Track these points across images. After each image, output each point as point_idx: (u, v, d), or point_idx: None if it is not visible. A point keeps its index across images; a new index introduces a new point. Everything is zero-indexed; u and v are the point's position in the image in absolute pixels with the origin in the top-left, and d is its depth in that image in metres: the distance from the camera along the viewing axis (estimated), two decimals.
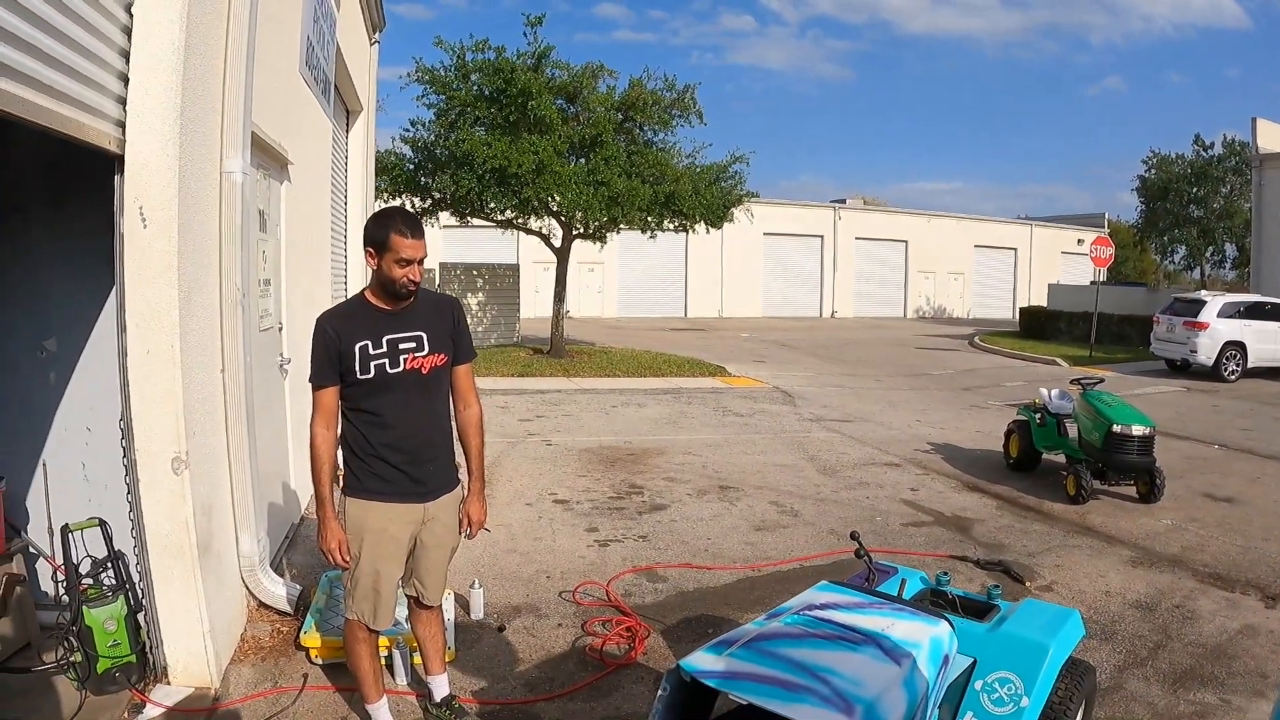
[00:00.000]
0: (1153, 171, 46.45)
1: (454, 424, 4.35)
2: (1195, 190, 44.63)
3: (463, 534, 4.42)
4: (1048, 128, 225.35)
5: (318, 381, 4.02)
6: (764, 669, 2.88)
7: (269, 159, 6.63)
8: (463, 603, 6.16)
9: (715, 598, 6.80)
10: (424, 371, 4.08)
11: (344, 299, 10.57)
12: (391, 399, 4.04)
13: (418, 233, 3.97)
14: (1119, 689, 5.52)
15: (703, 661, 2.93)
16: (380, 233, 3.95)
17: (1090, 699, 4.70)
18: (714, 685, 2.82)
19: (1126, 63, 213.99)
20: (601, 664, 5.51)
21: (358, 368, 3.96)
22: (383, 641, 4.98)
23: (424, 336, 4.09)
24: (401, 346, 4.03)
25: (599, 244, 22.37)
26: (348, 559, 4.09)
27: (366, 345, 3.97)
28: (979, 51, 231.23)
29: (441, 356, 4.14)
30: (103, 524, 4.81)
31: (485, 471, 4.53)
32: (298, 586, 5.96)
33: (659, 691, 2.91)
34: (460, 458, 4.41)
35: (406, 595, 4.50)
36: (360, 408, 4.05)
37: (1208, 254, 47.80)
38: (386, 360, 4.00)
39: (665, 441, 12.31)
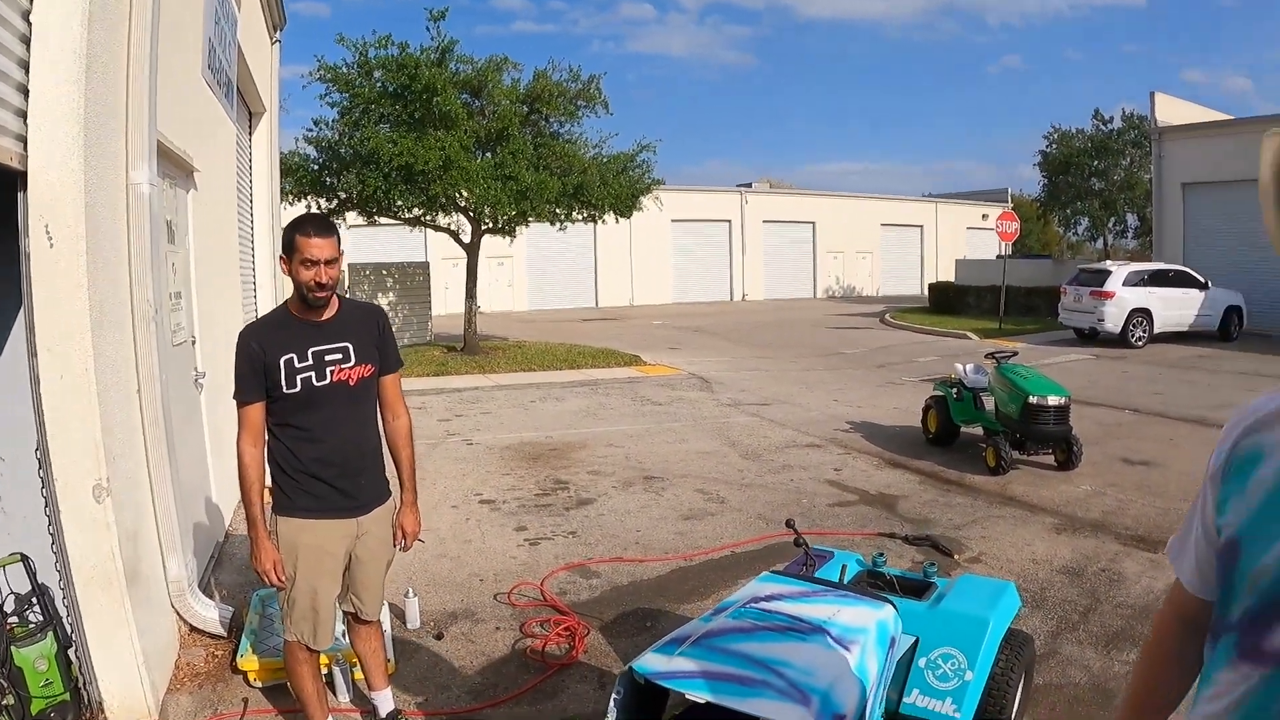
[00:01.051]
0: (1054, 146, 47.27)
1: (383, 435, 4.28)
2: (1096, 163, 45.46)
3: (397, 546, 4.35)
4: (952, 107, 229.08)
5: (243, 397, 3.91)
6: (717, 666, 2.88)
7: (175, 167, 6.47)
8: (398, 613, 6.06)
9: (650, 590, 6.79)
10: (351, 383, 3.99)
11: (255, 308, 10.42)
12: (319, 413, 3.95)
13: (323, 232, 3.87)
14: (1054, 654, 5.61)
15: (654, 662, 2.92)
16: (287, 236, 3.88)
17: (1030, 668, 4.78)
18: (669, 686, 2.81)
19: (1024, 41, 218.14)
20: (544, 665, 5.47)
21: (284, 382, 3.86)
22: (322, 659, 4.89)
23: (350, 347, 4.01)
24: (328, 358, 3.94)
25: (509, 238, 22.22)
26: (283, 579, 4.00)
27: (292, 358, 3.88)
28: (879, 33, 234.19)
29: (368, 367, 4.06)
30: (25, 559, 4.63)
31: (415, 478, 4.46)
32: (229, 608, 5.80)
33: (613, 695, 2.89)
34: (392, 469, 4.35)
35: (344, 611, 4.41)
36: (288, 423, 3.96)
37: (1110, 225, 48.80)
38: (313, 373, 3.90)
39: (586, 434, 12.27)
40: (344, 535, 4.08)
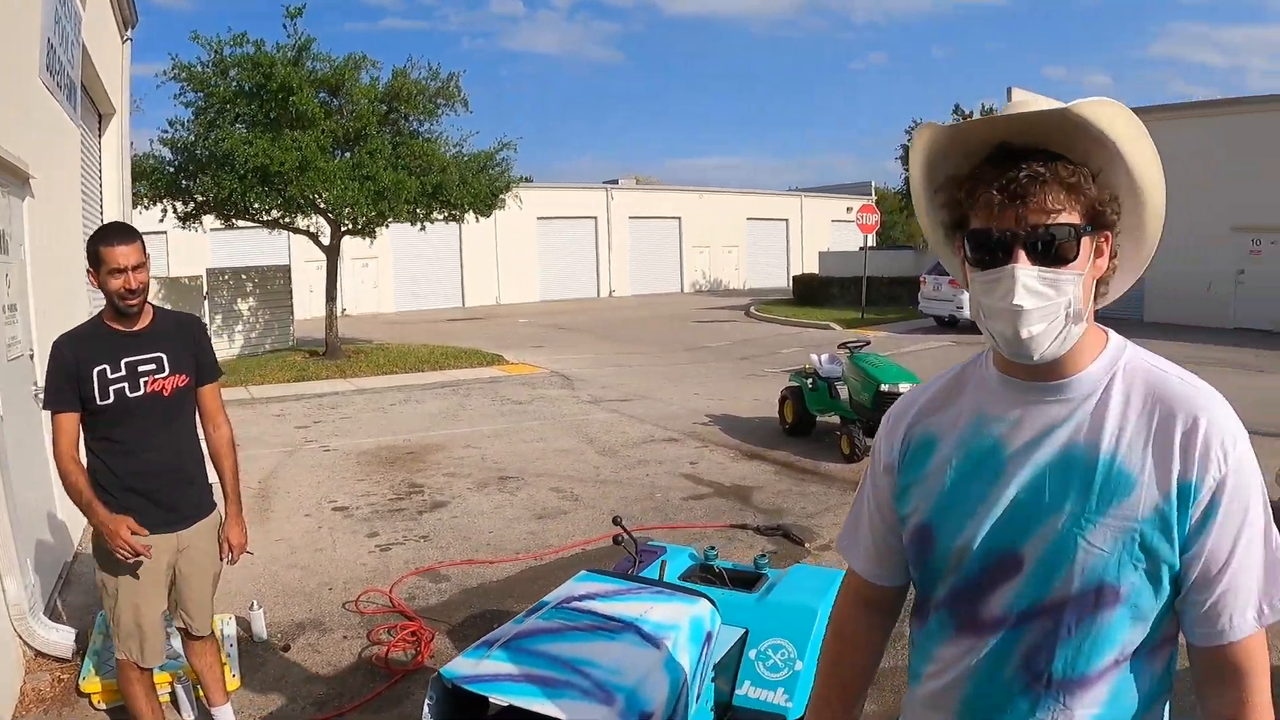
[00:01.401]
0: None
1: (204, 447, 4.24)
2: None
3: (224, 559, 4.31)
4: (818, 102, 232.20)
5: (56, 406, 3.84)
6: (523, 668, 2.90)
7: (7, 174, 6.29)
8: (245, 625, 5.96)
9: (499, 591, 6.82)
10: (166, 394, 3.93)
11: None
12: (135, 425, 3.89)
13: (125, 239, 3.82)
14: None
15: (463, 666, 2.93)
16: (90, 249, 3.82)
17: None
18: (474, 690, 2.81)
19: (890, 39, 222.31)
20: (389, 672, 5.45)
21: (97, 393, 3.80)
22: (163, 677, 4.83)
23: (164, 358, 3.95)
24: (141, 369, 3.88)
25: (369, 239, 21.92)
26: (147, 547, 3.90)
27: (105, 369, 3.81)
28: (747, 30, 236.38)
29: (184, 377, 4.01)
30: None
31: (241, 489, 4.41)
32: (74, 630, 5.68)
33: (426, 701, 2.88)
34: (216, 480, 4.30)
35: (176, 627, 4.36)
36: (103, 436, 3.89)
37: None
38: (126, 384, 3.84)
39: (445, 436, 12.22)
40: (165, 550, 4.01)
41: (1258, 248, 26.49)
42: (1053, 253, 1.62)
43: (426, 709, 2.88)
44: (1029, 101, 1.68)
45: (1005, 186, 1.60)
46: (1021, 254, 1.61)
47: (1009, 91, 31.24)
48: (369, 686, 5.30)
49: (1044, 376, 1.71)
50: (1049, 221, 1.61)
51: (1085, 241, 1.64)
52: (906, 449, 1.88)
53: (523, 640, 3.07)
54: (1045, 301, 1.61)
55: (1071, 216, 1.62)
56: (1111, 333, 1.77)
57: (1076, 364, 1.70)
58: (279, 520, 8.58)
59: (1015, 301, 1.61)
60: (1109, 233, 1.69)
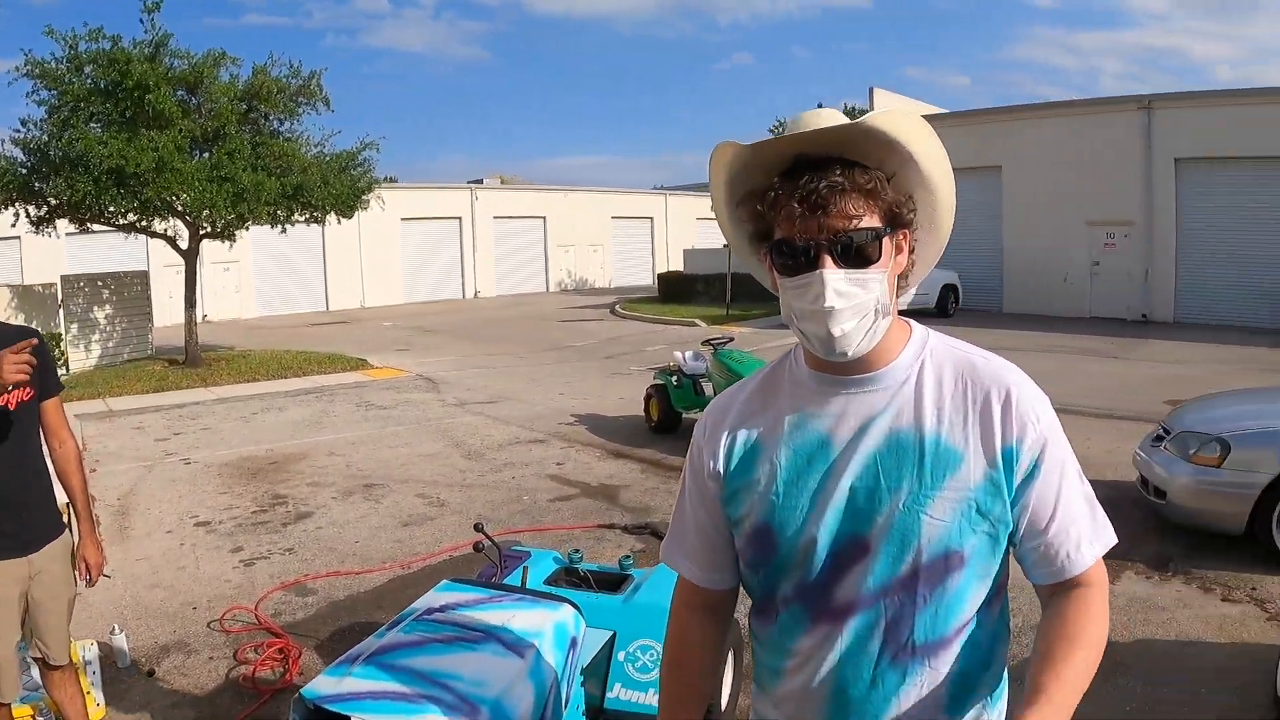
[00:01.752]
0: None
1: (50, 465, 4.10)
2: None
3: (81, 582, 4.20)
4: (684, 101, 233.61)
5: None
6: (385, 684, 2.88)
7: None
8: (108, 651, 5.75)
9: (368, 603, 6.78)
10: (11, 408, 3.77)
11: None
12: None
13: None
14: None
15: (324, 686, 2.90)
16: None
17: (738, 648, 4.91)
18: (336, 710, 2.78)
19: (754, 40, 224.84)
20: (257, 692, 5.36)
21: None
22: (23, 711, 4.65)
23: None
24: None
25: (228, 243, 21.37)
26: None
27: None
28: (614, 31, 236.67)
29: (27, 391, 3.86)
30: None
31: (98, 507, 4.30)
32: None
33: None
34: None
35: (33, 658, 4.19)
36: None
37: None
38: None
39: (308, 444, 12.04)
40: (15, 577, 3.82)
41: (1111, 241, 27.51)
42: (856, 255, 1.72)
43: None
44: (815, 118, 1.79)
45: (806, 197, 1.69)
46: (828, 259, 1.71)
47: (870, 91, 31.96)
48: (238, 708, 5.21)
49: (858, 370, 1.82)
50: (850, 227, 1.71)
51: (886, 242, 1.75)
52: (730, 453, 1.95)
53: (384, 655, 3.04)
54: (854, 301, 1.71)
55: (871, 220, 1.72)
56: (914, 323, 1.91)
57: (886, 355, 1.82)
58: (139, 538, 8.36)
59: (826, 304, 1.70)
60: (907, 230, 1.82)
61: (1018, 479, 1.75)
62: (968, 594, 1.79)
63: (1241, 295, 25.57)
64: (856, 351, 1.75)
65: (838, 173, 1.71)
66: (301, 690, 2.89)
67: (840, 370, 1.83)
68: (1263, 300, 25.24)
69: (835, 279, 1.71)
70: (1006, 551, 1.82)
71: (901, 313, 1.90)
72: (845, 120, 1.76)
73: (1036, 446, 1.75)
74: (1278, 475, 7.24)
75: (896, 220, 1.78)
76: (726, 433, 1.98)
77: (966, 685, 1.84)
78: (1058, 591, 1.80)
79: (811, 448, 1.85)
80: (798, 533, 1.84)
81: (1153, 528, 7.99)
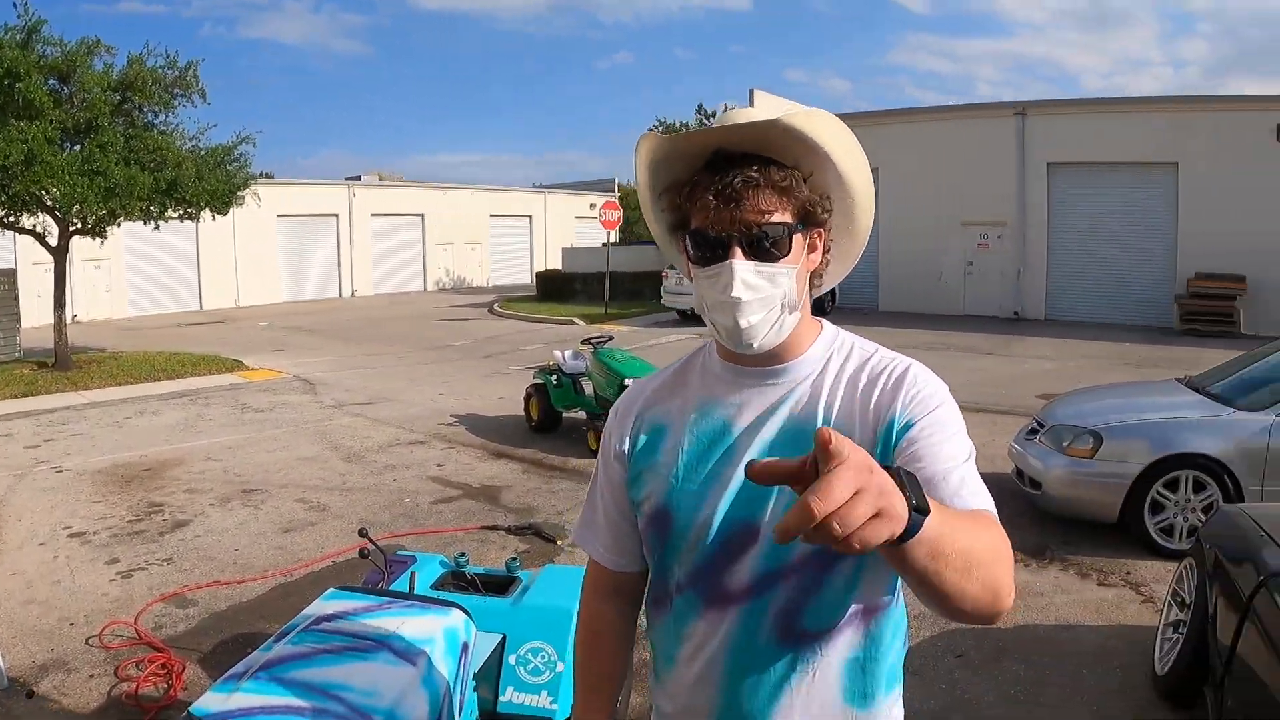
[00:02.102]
0: None
1: None
2: None
3: None
4: (564, 99, 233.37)
5: None
6: (276, 698, 2.80)
7: None
8: None
9: (250, 612, 6.61)
10: None
11: None
12: None
13: None
14: None
15: (213, 702, 2.79)
16: None
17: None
18: None
19: (636, 39, 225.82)
20: (141, 710, 5.17)
21: None
22: None
23: None
24: None
25: (99, 240, 20.60)
26: None
27: None
28: (494, 27, 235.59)
29: None
30: None
31: None
32: None
33: None
34: None
35: None
36: None
37: None
38: None
39: (184, 450, 11.71)
40: None
41: (985, 241, 28.34)
42: (766, 249, 1.76)
43: None
44: (739, 114, 1.84)
45: (721, 190, 1.74)
46: (738, 251, 1.76)
47: (751, 93, 32.25)
48: None
49: (765, 362, 1.87)
50: (762, 221, 1.75)
51: (798, 238, 1.80)
52: (636, 437, 2.01)
53: (274, 669, 2.95)
54: (761, 294, 1.76)
55: (783, 216, 1.77)
56: (826, 322, 1.96)
57: (795, 350, 1.87)
58: (10, 552, 8.03)
59: (734, 294, 1.75)
60: (821, 229, 1.85)
61: (899, 443, 1.76)
62: (859, 582, 1.81)
63: (1110, 294, 26.62)
64: (763, 344, 1.80)
65: (754, 168, 1.75)
66: (190, 708, 2.78)
67: (748, 362, 1.88)
68: (1129, 299, 26.24)
69: (744, 270, 1.76)
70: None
71: None
72: (761, 115, 1.78)
73: (921, 424, 1.76)
74: (1148, 465, 7.51)
75: (809, 218, 1.82)
76: (635, 417, 2.03)
77: (862, 675, 1.86)
78: None
79: (713, 434, 1.89)
80: (693, 517, 1.88)
81: (1029, 517, 8.23)
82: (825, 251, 1.90)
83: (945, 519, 1.42)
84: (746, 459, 1.81)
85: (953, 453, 1.75)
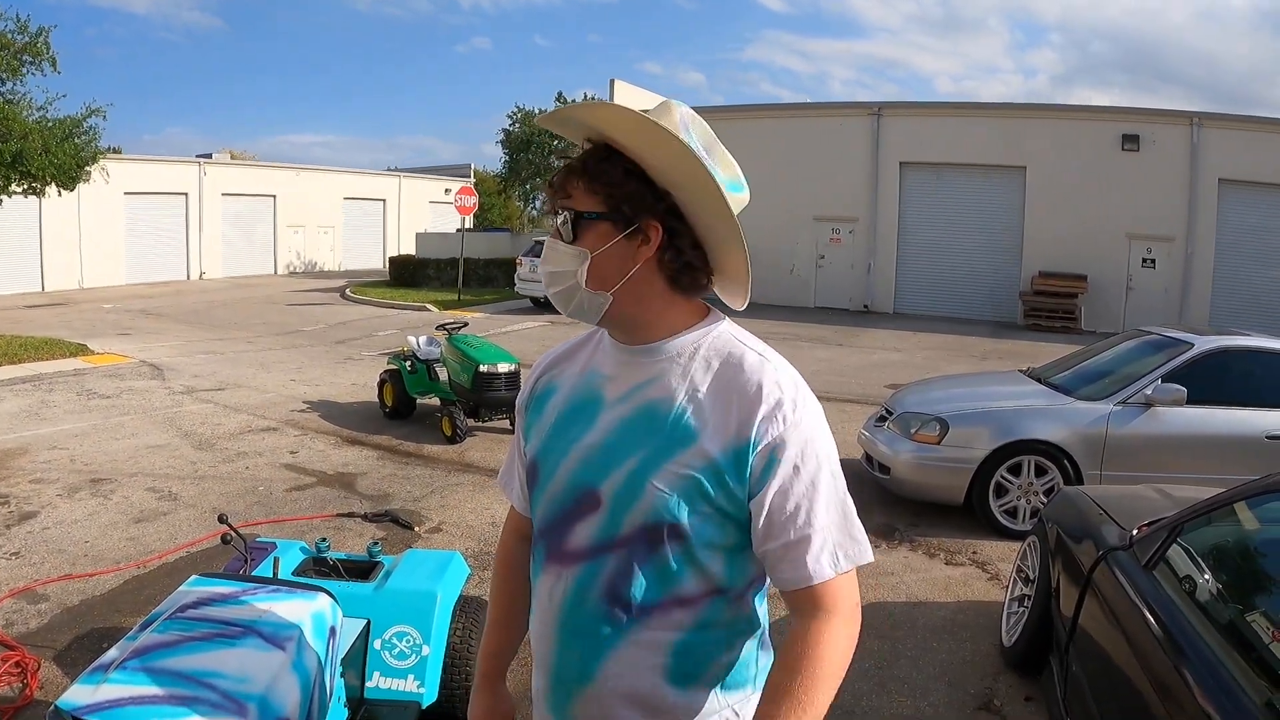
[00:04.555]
0: (517, 125, 49.43)
1: None
2: (556, 142, 47.63)
3: None
4: (419, 83, 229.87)
5: None
6: (145, 689, 2.76)
7: None
8: None
9: (104, 606, 6.41)
10: None
11: None
12: None
13: None
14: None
15: (80, 695, 2.74)
16: None
17: None
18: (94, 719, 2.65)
19: (494, 25, 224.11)
20: None
21: None
22: None
23: None
24: None
25: None
26: None
27: None
28: (352, 7, 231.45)
29: None
30: None
31: None
32: None
33: None
34: None
35: None
36: None
37: None
38: None
39: (27, 438, 11.24)
40: None
41: (837, 236, 29.03)
42: (563, 229, 1.93)
43: None
44: (564, 109, 1.95)
45: (555, 173, 1.95)
46: (555, 228, 1.96)
47: (611, 83, 32.43)
48: None
49: (639, 341, 1.98)
50: (564, 205, 1.92)
51: (601, 225, 1.90)
52: (534, 394, 2.16)
53: (141, 658, 2.90)
54: (555, 268, 1.95)
55: (585, 204, 1.90)
56: (714, 311, 2.05)
57: (661, 332, 1.96)
58: None
59: (541, 266, 2.02)
60: (654, 222, 1.91)
61: (753, 473, 1.83)
62: (686, 570, 1.88)
63: (957, 289, 27.55)
64: (572, 314, 1.96)
65: (585, 156, 1.92)
66: (57, 702, 2.73)
67: (625, 339, 2.00)
68: (976, 294, 27.17)
69: (547, 247, 1.99)
70: (748, 550, 1.92)
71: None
72: (630, 109, 1.84)
73: (776, 443, 1.83)
74: (992, 451, 7.81)
75: (617, 211, 1.90)
76: (538, 374, 2.18)
77: (692, 662, 1.93)
78: (796, 609, 1.87)
79: (584, 400, 2.01)
80: (552, 474, 2.01)
81: (878, 500, 8.50)
82: (674, 250, 1.94)
83: None
84: (603, 427, 1.95)
85: (817, 504, 1.85)
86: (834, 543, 1.85)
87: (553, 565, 2.00)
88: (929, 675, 5.43)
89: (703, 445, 1.84)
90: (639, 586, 1.89)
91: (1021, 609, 5.49)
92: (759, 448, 1.82)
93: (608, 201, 1.88)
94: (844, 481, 1.92)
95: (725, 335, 1.98)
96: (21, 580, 6.86)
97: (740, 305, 2.08)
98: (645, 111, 1.83)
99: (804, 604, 1.85)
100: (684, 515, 1.84)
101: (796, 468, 1.83)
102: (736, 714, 2.00)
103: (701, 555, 1.88)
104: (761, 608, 2.05)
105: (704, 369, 1.91)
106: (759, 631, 2.04)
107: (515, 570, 2.28)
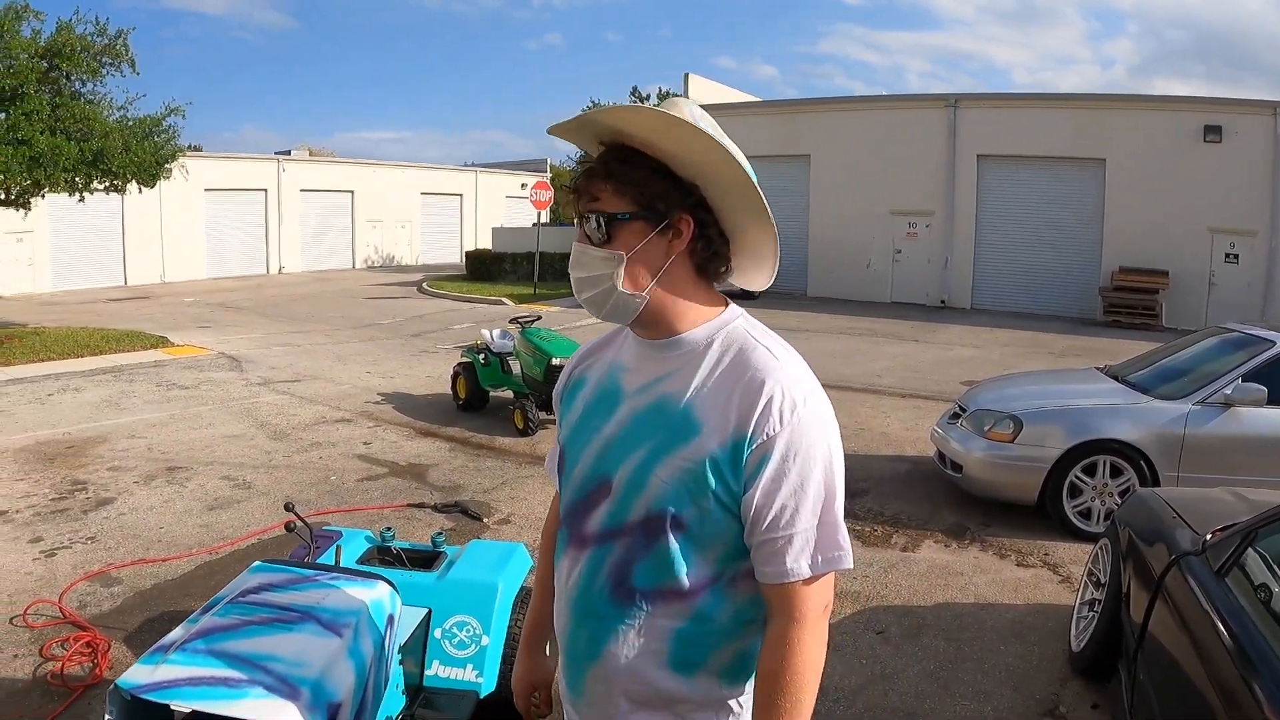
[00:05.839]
0: None
1: None
2: None
3: None
4: (492, 79, 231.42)
5: None
6: (203, 669, 2.80)
7: None
8: None
9: (175, 590, 6.53)
10: None
11: None
12: None
13: None
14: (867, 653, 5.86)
15: (140, 675, 2.79)
16: None
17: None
18: (154, 699, 2.70)
19: (565, 21, 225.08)
20: (67, 689, 5.09)
21: None
22: None
23: None
24: None
25: (23, 211, 20.01)
26: None
27: None
28: (420, 4, 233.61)
29: None
30: None
31: None
32: None
33: (106, 716, 2.73)
34: None
35: None
36: None
37: None
38: None
39: (108, 427, 11.48)
40: None
41: (914, 230, 28.68)
42: (595, 234, 1.97)
43: None
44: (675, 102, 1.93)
45: (577, 178, 1.97)
46: (581, 232, 1.99)
47: (686, 77, 32.37)
48: (48, 707, 4.94)
49: (656, 335, 2.03)
50: (593, 208, 1.96)
51: (634, 225, 1.95)
52: (568, 385, 2.25)
53: (199, 640, 2.95)
54: (588, 273, 1.99)
55: (617, 205, 1.94)
56: (732, 305, 2.08)
57: (678, 327, 2.01)
58: None
59: (572, 271, 2.03)
60: (685, 216, 1.96)
61: (747, 469, 1.87)
62: (686, 559, 1.93)
63: (1035, 284, 27.09)
64: (605, 316, 2.02)
65: (606, 158, 1.96)
66: (117, 681, 2.77)
67: (645, 333, 2.06)
68: (1054, 289, 26.73)
69: (577, 250, 2.01)
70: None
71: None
72: (656, 110, 1.88)
73: (770, 442, 1.86)
74: (1067, 450, 7.66)
75: (649, 209, 1.94)
76: (572, 369, 2.27)
77: (693, 650, 1.98)
78: (772, 605, 1.93)
79: (607, 392, 2.09)
80: (575, 462, 2.10)
81: (950, 499, 8.39)
82: (704, 240, 2.00)
83: None
84: (620, 419, 2.02)
85: (803, 506, 1.87)
86: (814, 544, 1.88)
87: (571, 548, 2.09)
88: (994, 679, 5.34)
89: (704, 439, 1.89)
90: (642, 573, 1.96)
91: (1091, 614, 5.37)
92: (754, 445, 1.86)
93: (639, 200, 1.93)
94: (841, 483, 1.94)
95: (739, 330, 2.02)
96: (96, 564, 7.03)
97: (763, 286, 2.13)
98: (660, 108, 1.87)
99: (779, 601, 1.90)
100: (684, 507, 1.90)
101: (787, 468, 1.86)
102: (741, 706, 2.05)
103: (701, 547, 1.93)
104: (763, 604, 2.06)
105: (715, 363, 1.96)
106: (762, 625, 2.05)
107: (552, 541, 2.36)
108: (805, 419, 1.88)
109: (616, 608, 1.99)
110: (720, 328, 2.01)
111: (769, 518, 1.86)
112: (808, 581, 1.88)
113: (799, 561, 1.86)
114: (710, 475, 1.87)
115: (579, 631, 2.07)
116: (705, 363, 1.96)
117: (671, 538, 1.91)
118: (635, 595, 1.96)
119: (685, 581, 1.93)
